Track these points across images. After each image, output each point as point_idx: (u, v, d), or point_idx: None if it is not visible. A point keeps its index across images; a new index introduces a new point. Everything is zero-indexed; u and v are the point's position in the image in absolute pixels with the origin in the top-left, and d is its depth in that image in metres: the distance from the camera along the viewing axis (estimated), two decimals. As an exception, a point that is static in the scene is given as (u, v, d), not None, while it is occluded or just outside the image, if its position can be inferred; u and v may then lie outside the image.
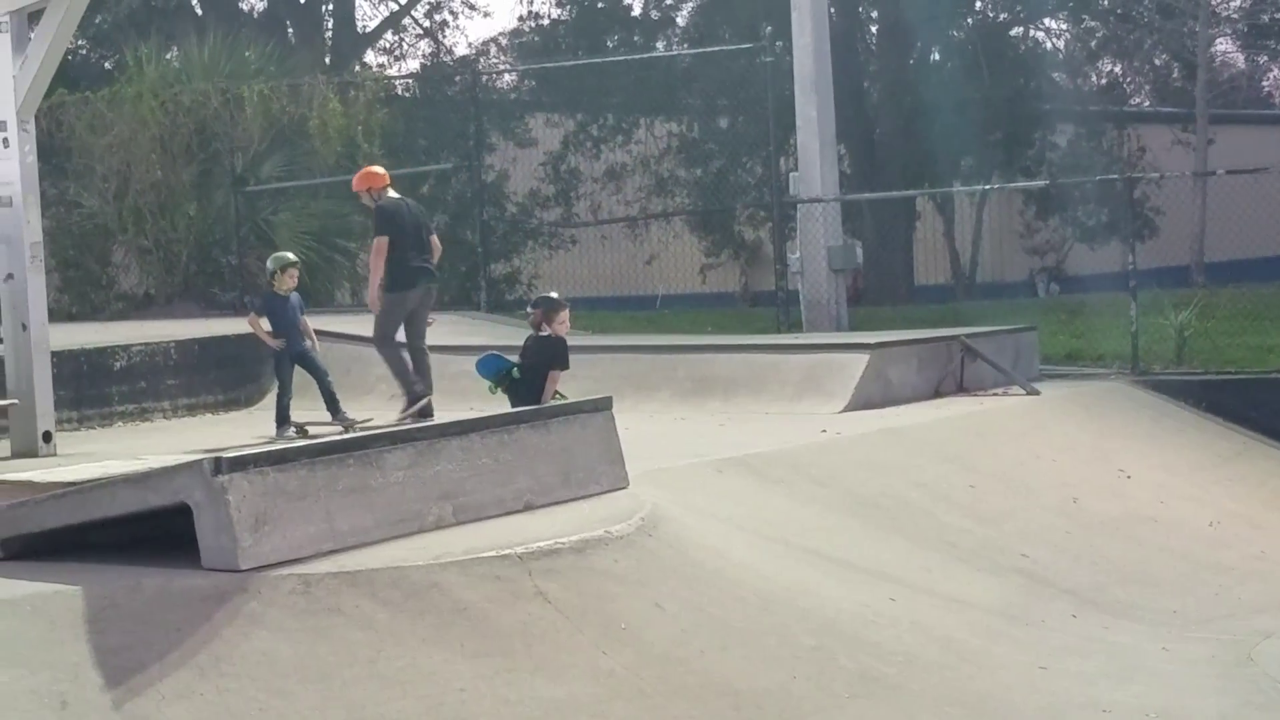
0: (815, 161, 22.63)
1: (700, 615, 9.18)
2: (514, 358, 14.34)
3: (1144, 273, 21.46)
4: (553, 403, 13.02)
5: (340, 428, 15.63)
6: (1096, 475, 15.52)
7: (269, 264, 16.46)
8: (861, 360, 17.15)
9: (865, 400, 16.76)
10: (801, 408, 16.55)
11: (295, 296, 16.31)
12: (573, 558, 8.99)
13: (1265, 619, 12.41)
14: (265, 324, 16.23)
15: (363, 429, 14.88)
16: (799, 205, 22.96)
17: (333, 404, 16.23)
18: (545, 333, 14.21)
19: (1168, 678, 10.41)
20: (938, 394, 17.93)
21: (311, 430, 15.62)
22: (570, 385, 14.45)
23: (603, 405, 10.83)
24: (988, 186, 34.07)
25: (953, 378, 18.24)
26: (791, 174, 23.76)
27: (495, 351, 14.83)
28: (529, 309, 15.00)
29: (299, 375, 16.34)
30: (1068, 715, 9.26)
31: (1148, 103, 50.24)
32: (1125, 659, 10.81)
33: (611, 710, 7.98)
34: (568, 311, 14.51)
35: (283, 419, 15.99)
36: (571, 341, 14.47)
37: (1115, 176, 27.18)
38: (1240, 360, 20.02)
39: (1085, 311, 24.49)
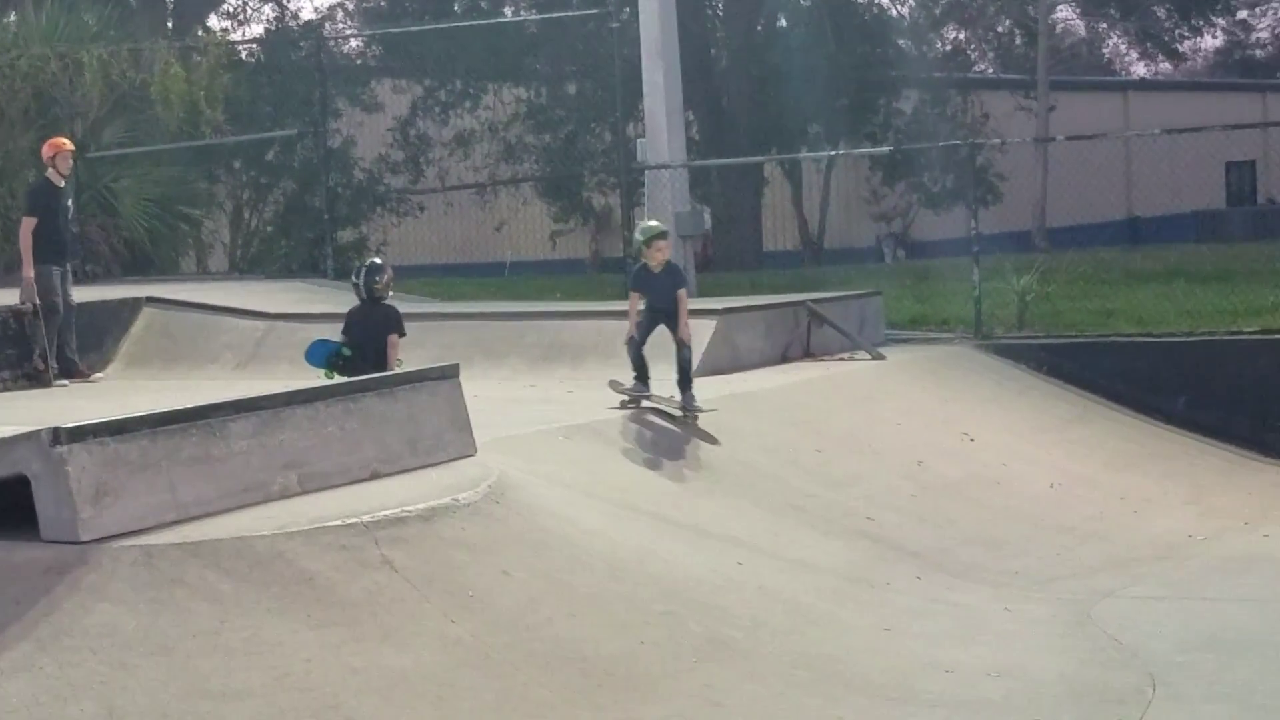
0: (662, 128, 22.65)
1: (549, 582, 9.19)
2: (337, 338, 14.17)
3: (988, 238, 21.72)
4: (397, 370, 12.93)
5: (681, 410, 13.96)
6: (941, 438, 15.70)
7: (636, 235, 14.61)
8: (709, 326, 17.19)
9: (713, 366, 16.81)
10: (651, 374, 16.55)
11: (673, 269, 14.16)
12: (420, 526, 8.96)
13: (1104, 578, 12.63)
14: (640, 304, 14.10)
15: (704, 415, 13.92)
16: (647, 171, 22.98)
17: (684, 380, 13.97)
18: (385, 299, 14.15)
19: (1010, 637, 10.58)
20: (785, 359, 18.04)
21: (646, 404, 14.00)
22: (417, 353, 14.39)
23: (449, 373, 10.80)
24: (834, 153, 34.33)
25: (800, 343, 18.36)
26: (639, 140, 23.77)
27: (320, 337, 14.63)
28: (354, 277, 14.63)
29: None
30: (912, 676, 9.37)
31: (991, 70, 50.84)
32: (968, 620, 10.96)
33: (459, 678, 7.97)
34: (390, 275, 14.50)
35: (641, 377, 13.98)
36: (418, 308, 14.40)
37: (958, 142, 27.42)
38: (1081, 324, 20.33)
39: (930, 276, 24.77)
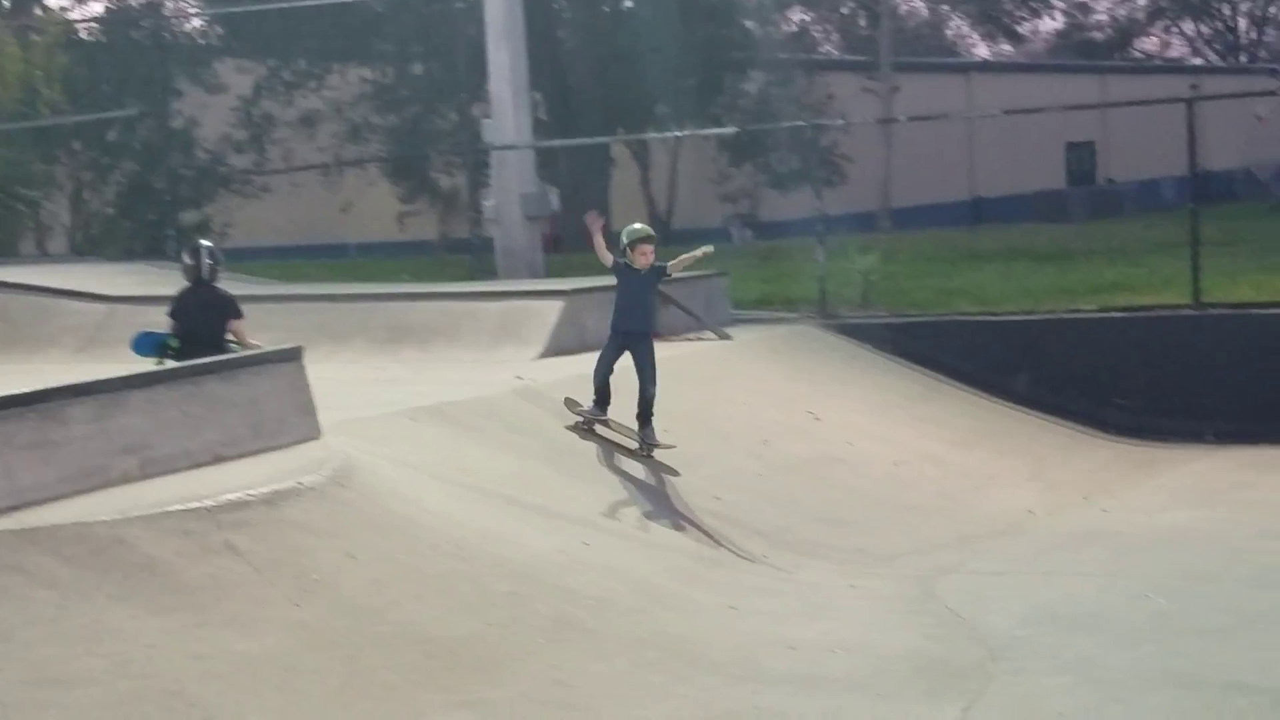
0: (508, 108, 22.61)
1: (395, 565, 9.14)
2: (164, 328, 13.90)
3: (833, 218, 21.89)
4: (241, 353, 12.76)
5: (638, 444, 13.56)
6: (787, 418, 15.80)
7: (622, 236, 13.62)
8: (556, 307, 17.22)
9: (560, 347, 16.83)
10: (497, 355, 16.55)
11: (658, 273, 13.53)
12: (263, 510, 8.87)
13: (948, 554, 12.79)
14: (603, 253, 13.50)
15: (660, 451, 13.43)
16: (492, 152, 22.93)
17: (645, 416, 13.52)
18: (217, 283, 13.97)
19: (854, 614, 10.67)
20: (632, 340, 18.04)
21: (600, 430, 13.66)
22: (262, 335, 14.24)
23: (292, 355, 10.70)
24: (680, 133, 34.43)
25: (647, 323, 18.38)
26: (485, 121, 23.72)
27: (145, 330, 14.38)
28: (187, 259, 14.26)
29: None
30: (757, 654, 9.43)
31: (835, 51, 51.21)
32: (814, 597, 11.04)
33: (303, 662, 7.91)
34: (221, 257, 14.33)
35: (601, 403, 13.60)
36: (262, 290, 14.26)
37: (802, 123, 27.62)
38: (924, 303, 20.56)
39: (776, 257, 24.94)
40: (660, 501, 12.69)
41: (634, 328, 13.57)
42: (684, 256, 13.56)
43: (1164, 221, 28.28)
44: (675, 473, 13.37)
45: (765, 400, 16.13)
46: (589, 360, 16.21)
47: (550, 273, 22.75)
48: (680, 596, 10.39)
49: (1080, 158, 58.62)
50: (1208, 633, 10.06)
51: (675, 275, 13.89)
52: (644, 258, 13.42)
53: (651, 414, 13.49)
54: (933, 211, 42.14)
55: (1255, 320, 18.27)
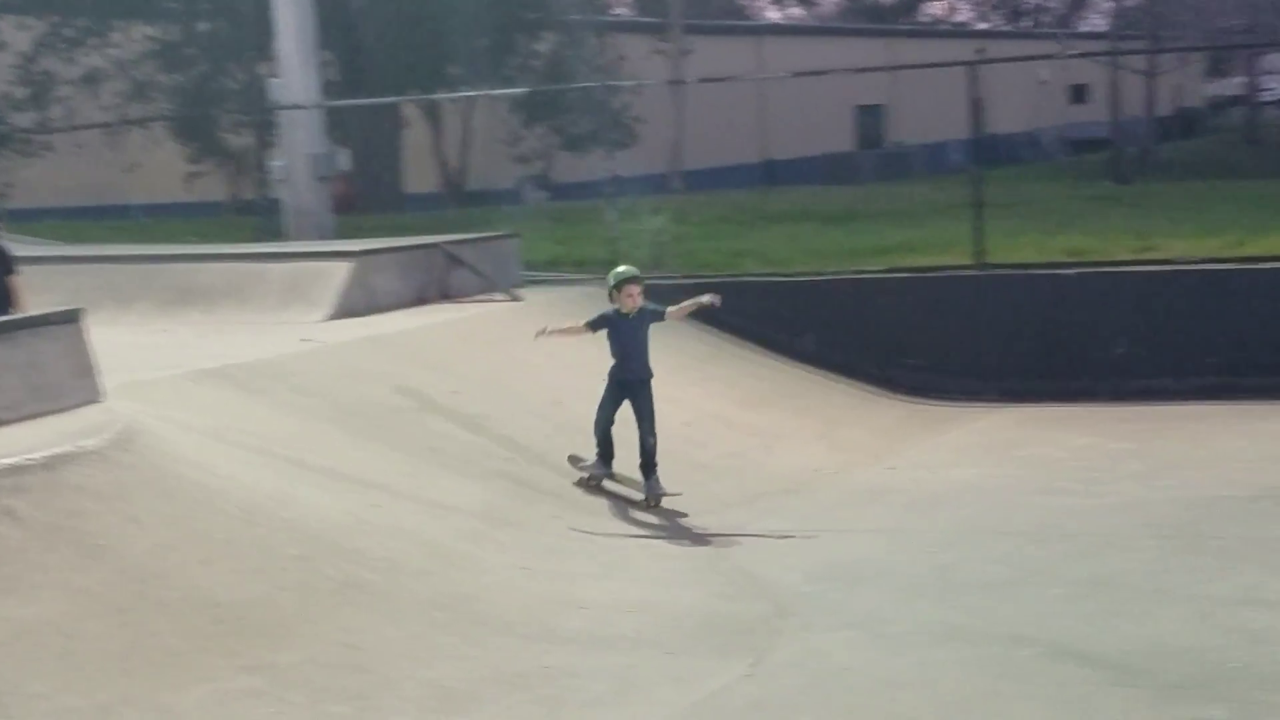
0: (296, 67, 22.35)
1: (180, 529, 9.02)
2: None
3: (626, 180, 21.92)
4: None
5: (645, 495, 13.05)
6: (577, 379, 15.76)
7: (608, 279, 13.42)
8: (344, 268, 17.07)
9: (349, 308, 16.70)
10: (285, 317, 16.39)
11: (650, 315, 13.33)
12: (42, 474, 8.68)
13: (738, 513, 12.91)
14: (576, 331, 13.48)
15: (668, 500, 12.92)
16: (281, 112, 22.67)
17: (648, 466, 13.08)
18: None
19: (645, 573, 10.75)
20: (422, 301, 17.98)
21: (609, 486, 13.23)
22: (44, 297, 13.95)
23: (72, 317, 10.49)
24: (470, 94, 34.29)
25: (437, 285, 18.32)
26: (272, 80, 23.44)
27: None
28: None
29: None
30: (549, 614, 9.46)
31: (628, 12, 51.32)
32: (605, 557, 11.09)
33: (85, 629, 7.78)
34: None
35: (605, 456, 13.22)
36: (44, 252, 13.98)
37: (593, 84, 27.64)
38: (714, 264, 20.69)
39: (568, 218, 24.96)
40: (449, 461, 12.65)
41: (633, 376, 13.23)
42: (686, 304, 13.37)
43: (950, 184, 28.73)
44: (469, 435, 13.36)
45: (555, 361, 16.10)
46: (378, 322, 16.21)
47: (341, 234, 22.55)
48: (471, 558, 10.39)
49: (870, 121, 59.37)
50: (989, 587, 10.28)
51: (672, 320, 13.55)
52: (631, 300, 13.10)
53: (655, 464, 13.07)
54: (725, 174, 42.46)
55: (1035, 280, 18.62)
